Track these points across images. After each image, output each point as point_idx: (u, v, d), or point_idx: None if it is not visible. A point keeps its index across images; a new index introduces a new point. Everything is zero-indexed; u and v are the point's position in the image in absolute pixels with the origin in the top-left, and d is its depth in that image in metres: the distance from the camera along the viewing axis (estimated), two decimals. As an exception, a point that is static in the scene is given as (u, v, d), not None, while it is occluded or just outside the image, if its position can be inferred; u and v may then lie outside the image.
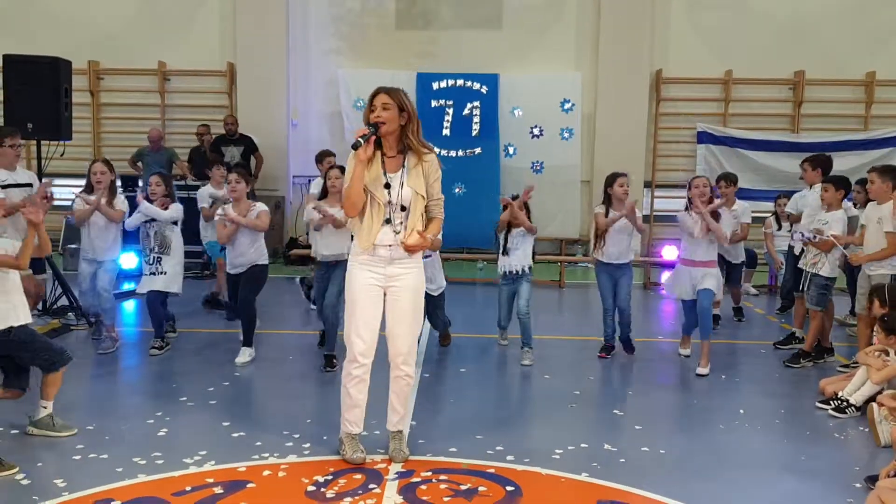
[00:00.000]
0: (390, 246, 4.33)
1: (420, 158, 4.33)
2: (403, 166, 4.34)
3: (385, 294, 4.39)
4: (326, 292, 6.25)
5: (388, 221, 4.32)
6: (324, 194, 6.39)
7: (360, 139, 4.18)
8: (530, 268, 6.59)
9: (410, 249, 4.33)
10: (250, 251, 6.43)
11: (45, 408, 4.81)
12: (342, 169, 5.92)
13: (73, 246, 10.63)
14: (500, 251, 6.63)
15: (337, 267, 6.13)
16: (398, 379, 4.52)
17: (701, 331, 6.41)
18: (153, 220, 6.61)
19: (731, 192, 7.80)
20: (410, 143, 4.32)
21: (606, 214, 6.52)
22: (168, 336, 6.87)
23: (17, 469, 4.22)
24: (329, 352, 6.32)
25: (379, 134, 4.25)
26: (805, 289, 6.75)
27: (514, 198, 6.52)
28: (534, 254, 6.71)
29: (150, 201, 6.63)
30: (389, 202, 4.31)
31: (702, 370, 6.30)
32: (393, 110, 4.24)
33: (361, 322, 4.35)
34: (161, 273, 6.64)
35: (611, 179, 6.53)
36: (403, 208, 4.33)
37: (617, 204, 6.47)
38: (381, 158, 4.33)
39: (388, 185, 4.30)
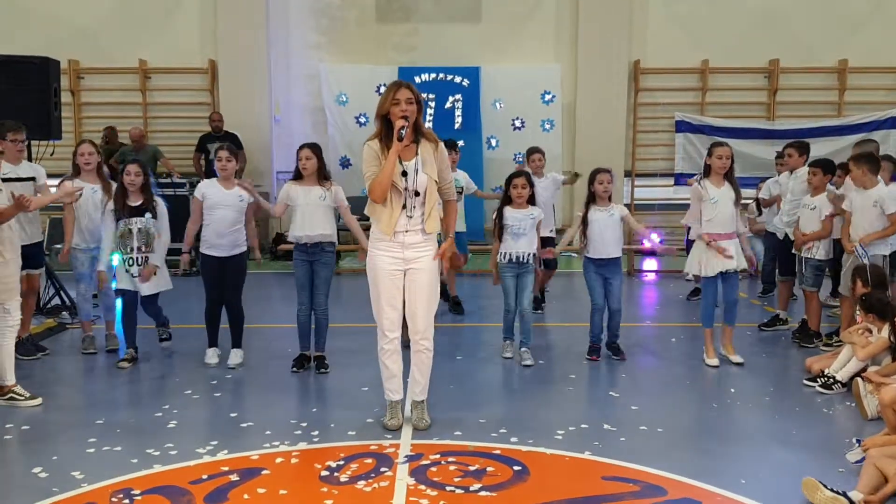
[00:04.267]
0: (406, 231, 4.63)
1: (435, 146, 4.69)
2: (417, 154, 4.64)
3: (404, 274, 4.70)
4: (314, 292, 6.06)
5: (403, 207, 4.61)
6: (297, 176, 6.08)
7: (401, 131, 4.46)
8: (534, 256, 6.40)
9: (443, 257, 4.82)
10: (233, 230, 6.11)
11: None
12: (312, 148, 6.02)
13: (59, 246, 10.62)
14: (500, 236, 6.37)
15: (320, 251, 6.01)
16: (418, 353, 4.83)
17: (727, 318, 6.32)
18: (135, 214, 6.14)
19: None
20: (424, 132, 4.70)
21: (586, 214, 6.35)
22: (163, 344, 6.68)
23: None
24: (320, 352, 6.22)
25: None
26: (801, 272, 6.93)
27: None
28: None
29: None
30: (406, 188, 4.59)
31: (735, 357, 6.26)
32: (414, 104, 4.55)
33: (386, 303, 4.72)
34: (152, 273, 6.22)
35: (591, 176, 6.38)
36: (417, 193, 4.62)
37: (599, 201, 6.34)
38: None
39: (404, 174, 4.58)
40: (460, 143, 11.94)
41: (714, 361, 6.24)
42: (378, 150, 4.57)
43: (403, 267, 4.69)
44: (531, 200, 6.38)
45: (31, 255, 6.28)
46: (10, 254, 5.25)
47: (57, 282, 7.84)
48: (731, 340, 6.38)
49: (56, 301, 7.90)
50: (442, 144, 4.77)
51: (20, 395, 5.30)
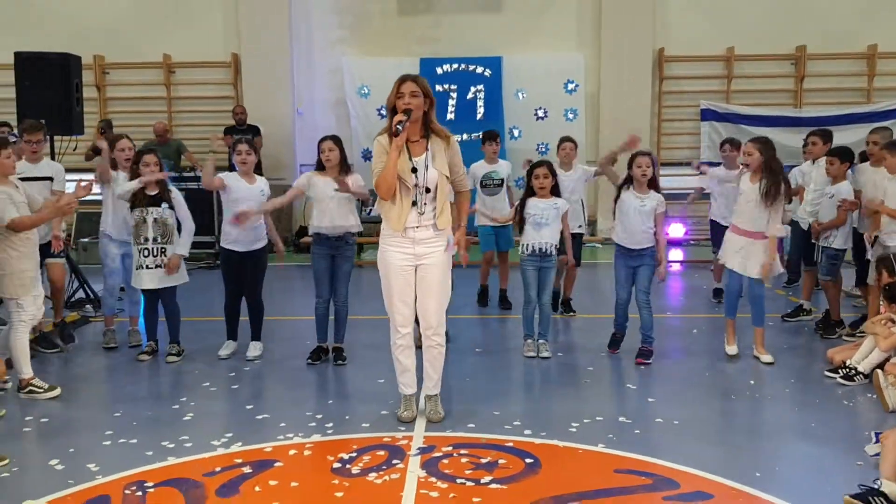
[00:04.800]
0: (416, 227, 4.60)
1: (447, 142, 4.64)
2: (427, 150, 4.60)
3: (416, 270, 4.68)
4: (334, 284, 6.05)
5: (413, 203, 4.57)
6: (319, 167, 6.02)
7: (398, 126, 4.40)
8: (557, 248, 6.25)
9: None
10: (254, 225, 6.07)
11: None
12: (335, 140, 6.00)
13: (86, 240, 10.78)
14: (521, 226, 6.26)
15: (343, 244, 6.01)
16: (430, 348, 4.83)
17: (754, 319, 6.12)
18: (151, 204, 6.08)
19: (736, 156, 7.92)
20: (435, 127, 4.63)
21: (619, 195, 6.14)
22: (170, 359, 6.24)
23: (7, 461, 4.27)
24: (338, 343, 6.23)
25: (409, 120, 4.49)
26: (818, 261, 6.84)
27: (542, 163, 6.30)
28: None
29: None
30: (416, 185, 4.56)
31: (765, 357, 6.02)
32: (420, 97, 4.50)
33: (398, 298, 4.71)
34: (166, 265, 6.12)
35: (630, 159, 6.09)
36: (428, 189, 4.58)
37: (637, 185, 6.07)
38: (406, 144, 4.56)
39: (414, 170, 4.56)
40: (482, 133, 12.04)
41: (732, 350, 6.15)
42: (386, 146, 4.54)
43: (414, 262, 4.67)
44: (555, 191, 6.24)
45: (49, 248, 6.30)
46: (26, 248, 5.32)
47: (81, 275, 7.92)
48: (762, 342, 6.13)
49: (80, 294, 7.98)
50: (453, 139, 4.72)
51: (39, 387, 5.37)
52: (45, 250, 6.19)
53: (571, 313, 7.66)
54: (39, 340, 6.31)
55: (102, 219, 6.60)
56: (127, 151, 6.52)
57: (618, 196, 6.20)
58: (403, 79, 4.55)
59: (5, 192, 5.21)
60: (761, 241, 5.88)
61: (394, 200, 4.58)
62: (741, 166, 6.13)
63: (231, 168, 6.59)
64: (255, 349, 6.34)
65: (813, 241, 6.90)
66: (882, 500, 3.63)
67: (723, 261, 6.21)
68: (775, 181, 5.79)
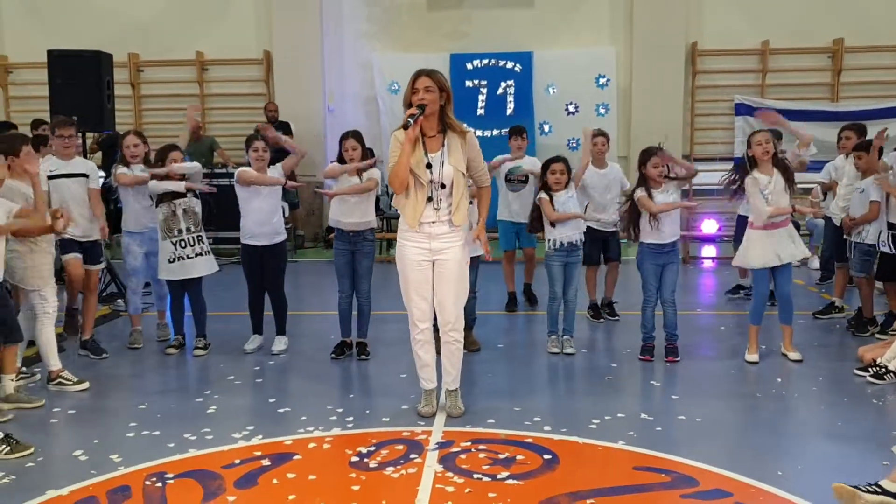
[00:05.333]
0: (432, 223, 4.60)
1: (463, 137, 4.59)
2: (444, 145, 4.58)
3: (433, 265, 4.67)
4: (356, 279, 6.09)
5: (429, 199, 4.57)
6: (341, 162, 6.11)
7: (409, 119, 4.40)
8: (582, 241, 6.23)
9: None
10: (273, 220, 6.16)
11: (11, 380, 5.10)
12: (357, 137, 6.06)
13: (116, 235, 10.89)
14: (537, 227, 6.29)
15: (361, 240, 6.04)
16: (448, 344, 4.81)
17: (783, 317, 5.99)
18: (177, 195, 6.18)
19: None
20: (451, 122, 4.60)
21: (650, 196, 5.93)
22: (197, 353, 6.33)
23: (32, 450, 4.37)
24: (362, 338, 6.24)
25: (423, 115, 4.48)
26: (850, 257, 6.72)
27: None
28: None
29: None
30: (431, 181, 4.55)
31: (794, 355, 5.93)
32: (434, 92, 4.50)
33: (415, 293, 4.72)
34: (206, 253, 6.29)
35: (643, 159, 6.01)
36: (443, 185, 4.56)
37: (653, 185, 5.96)
38: (422, 139, 4.57)
39: (429, 165, 4.55)
40: (510, 129, 11.99)
41: (754, 358, 5.96)
42: (402, 140, 4.54)
43: (431, 258, 4.66)
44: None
45: (89, 249, 6.23)
46: (43, 242, 5.38)
47: (112, 270, 8.03)
48: (791, 340, 6.03)
49: (112, 289, 8.09)
50: (471, 134, 4.68)
51: (68, 380, 5.46)
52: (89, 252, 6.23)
53: (616, 318, 7.34)
54: (83, 346, 6.36)
55: (123, 218, 6.58)
56: (132, 148, 6.43)
57: (631, 205, 6.03)
58: (418, 74, 4.55)
59: (14, 190, 5.21)
60: (785, 228, 5.83)
61: (408, 195, 4.59)
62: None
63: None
64: (280, 343, 6.38)
65: (845, 236, 6.77)
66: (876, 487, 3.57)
67: (745, 264, 6.08)
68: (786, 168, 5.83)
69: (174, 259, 6.23)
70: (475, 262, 5.88)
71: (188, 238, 6.21)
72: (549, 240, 6.21)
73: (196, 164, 6.51)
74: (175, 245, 6.20)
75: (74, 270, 6.06)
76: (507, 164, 7.66)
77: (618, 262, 7.42)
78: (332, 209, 6.14)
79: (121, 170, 6.39)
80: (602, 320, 7.30)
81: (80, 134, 7.13)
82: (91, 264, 6.26)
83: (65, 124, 6.24)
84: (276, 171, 6.24)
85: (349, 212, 6.01)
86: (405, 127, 4.44)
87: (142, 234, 6.48)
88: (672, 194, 5.99)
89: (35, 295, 5.37)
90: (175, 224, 6.19)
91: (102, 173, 6.36)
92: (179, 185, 6.19)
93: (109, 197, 7.52)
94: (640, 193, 5.99)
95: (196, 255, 6.26)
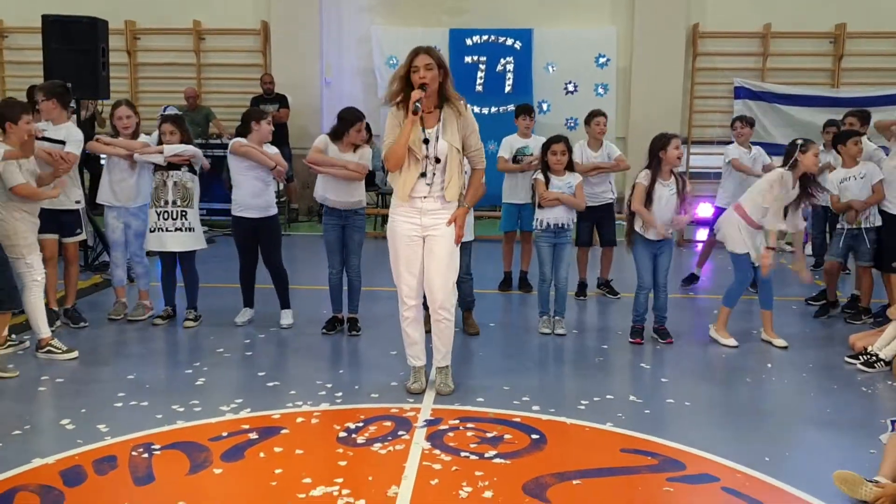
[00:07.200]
0: (424, 198, 4.57)
1: (459, 113, 4.55)
2: (440, 120, 4.55)
3: (423, 241, 4.64)
4: (346, 255, 6.05)
5: (422, 175, 4.54)
6: (335, 135, 5.98)
7: (416, 104, 4.36)
8: (573, 223, 6.28)
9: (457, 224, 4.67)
10: (265, 194, 6.11)
11: None
12: (361, 120, 5.96)
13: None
14: (538, 204, 6.17)
15: (352, 214, 5.99)
16: (438, 322, 4.78)
17: (763, 301, 6.03)
18: (171, 167, 6.10)
19: (749, 133, 7.85)
20: (449, 97, 4.56)
21: (653, 183, 5.85)
22: (188, 325, 6.30)
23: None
24: (353, 314, 6.21)
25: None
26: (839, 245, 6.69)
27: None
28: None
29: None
30: (426, 156, 4.52)
31: (778, 341, 5.93)
32: (434, 69, 4.45)
33: (404, 269, 4.70)
34: (188, 229, 6.16)
35: (665, 142, 5.80)
36: (438, 160, 4.53)
37: (664, 175, 5.87)
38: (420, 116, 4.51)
39: (426, 141, 4.52)
40: (510, 107, 11.91)
41: (730, 342, 5.95)
42: (400, 118, 4.51)
43: (421, 233, 4.64)
44: (569, 166, 6.20)
45: (66, 223, 6.15)
46: (30, 210, 5.38)
47: (104, 239, 7.97)
48: (772, 324, 6.04)
49: (105, 258, 8.04)
50: (468, 111, 4.63)
51: (58, 348, 5.44)
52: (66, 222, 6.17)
53: (617, 296, 7.41)
54: (67, 312, 6.31)
55: (100, 189, 6.46)
56: (125, 119, 6.29)
57: (650, 196, 5.89)
58: (416, 51, 4.49)
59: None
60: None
61: (401, 169, 4.56)
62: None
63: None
64: (286, 317, 6.33)
65: (847, 224, 6.63)
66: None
67: (731, 248, 6.05)
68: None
69: (154, 229, 6.15)
70: (468, 245, 5.89)
71: (172, 211, 6.11)
72: (536, 219, 6.20)
73: (191, 147, 6.27)
74: (158, 216, 6.13)
75: (48, 251, 5.94)
76: (517, 143, 7.53)
77: (613, 246, 7.39)
78: (318, 185, 6.05)
79: (145, 156, 6.20)
80: (583, 297, 7.40)
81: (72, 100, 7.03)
82: (68, 236, 6.19)
83: (50, 89, 6.11)
84: (271, 151, 6.20)
85: (336, 189, 5.93)
86: (415, 112, 4.38)
87: (118, 208, 6.36)
88: (673, 190, 5.93)
89: (21, 263, 5.33)
90: (163, 195, 6.12)
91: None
92: (159, 158, 6.09)
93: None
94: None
95: (175, 229, 6.13)
